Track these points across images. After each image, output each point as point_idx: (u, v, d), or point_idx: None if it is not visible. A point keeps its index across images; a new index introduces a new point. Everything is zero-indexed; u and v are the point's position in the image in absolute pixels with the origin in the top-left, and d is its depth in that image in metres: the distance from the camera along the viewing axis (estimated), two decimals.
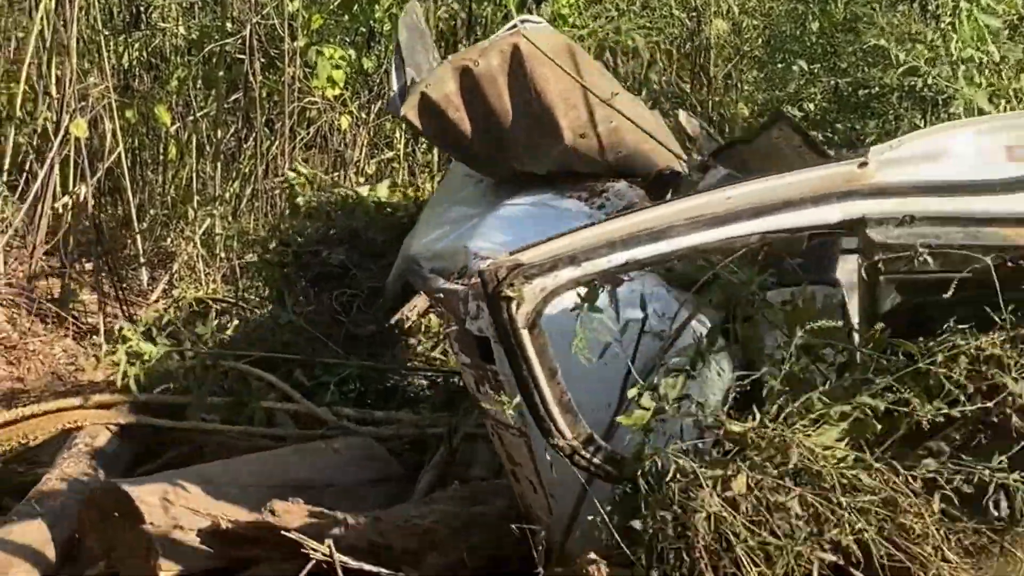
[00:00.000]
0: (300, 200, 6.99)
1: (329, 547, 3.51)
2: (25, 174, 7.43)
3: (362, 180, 7.86)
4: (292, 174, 7.45)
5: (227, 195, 8.16)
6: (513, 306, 3.33)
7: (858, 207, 3.43)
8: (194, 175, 8.19)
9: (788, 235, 3.52)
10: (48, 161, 6.91)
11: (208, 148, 8.33)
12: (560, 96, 4.52)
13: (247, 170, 8.20)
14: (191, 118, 8.25)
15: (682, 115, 5.44)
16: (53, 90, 7.14)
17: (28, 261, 7.01)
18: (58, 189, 7.01)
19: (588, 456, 3.43)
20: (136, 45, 8.46)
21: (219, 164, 8.32)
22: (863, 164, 3.41)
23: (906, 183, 3.46)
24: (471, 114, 4.53)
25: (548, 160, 4.58)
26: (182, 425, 5.26)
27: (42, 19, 7.30)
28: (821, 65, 7.91)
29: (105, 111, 7.35)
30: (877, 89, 6.92)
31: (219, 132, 8.27)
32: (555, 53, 4.54)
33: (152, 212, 8.09)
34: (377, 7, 7.84)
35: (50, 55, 7.25)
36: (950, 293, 3.29)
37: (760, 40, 9.43)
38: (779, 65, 8.56)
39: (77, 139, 6.92)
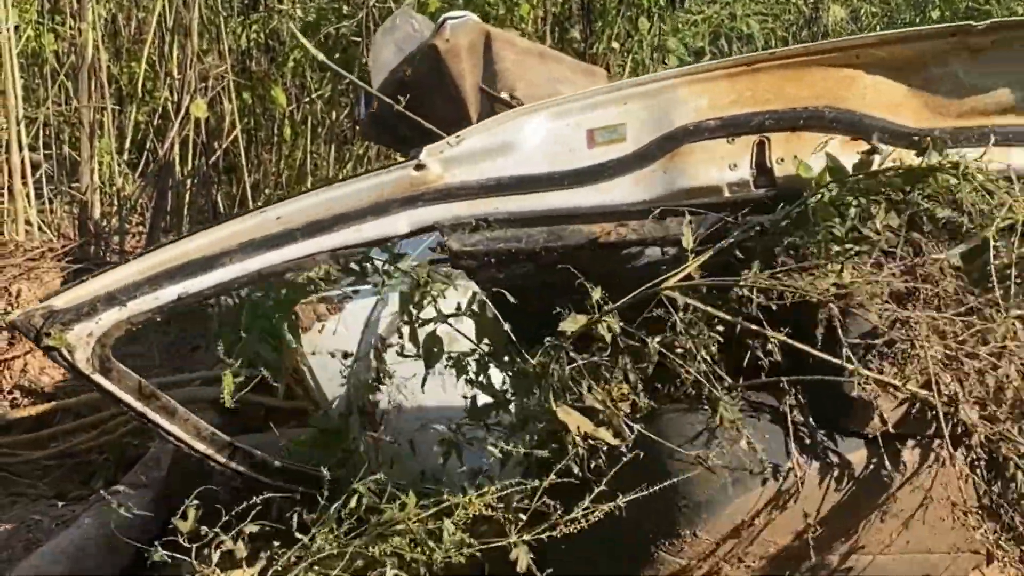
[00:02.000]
0: None
1: None
2: (145, 153, 7.59)
3: None
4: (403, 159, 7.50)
5: (340, 176, 8.24)
6: (67, 353, 3.13)
7: (425, 214, 3.15)
8: (308, 156, 8.29)
9: (364, 249, 3.26)
10: (168, 140, 7.05)
11: (322, 129, 8.42)
12: (472, 89, 4.51)
13: (360, 152, 8.27)
14: (306, 100, 8.35)
15: None
16: (174, 70, 7.27)
17: (147, 239, 7.14)
18: (177, 168, 7.14)
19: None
20: (254, 27, 8.56)
21: (332, 146, 8.41)
22: (419, 166, 3.11)
23: (472, 183, 3.14)
24: (413, 122, 4.56)
25: None
26: (285, 404, 5.32)
27: (164, 1, 7.47)
28: None
29: (224, 92, 7.48)
30: None
31: (333, 114, 8.35)
32: (471, 45, 4.54)
33: (267, 192, 8.20)
34: None
35: (171, 36, 7.39)
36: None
37: (879, 28, 9.26)
38: None
39: (196, 119, 7.05)
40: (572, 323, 2.91)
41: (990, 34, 2.94)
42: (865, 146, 3.02)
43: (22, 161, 6.89)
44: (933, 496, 2.90)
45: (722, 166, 3.07)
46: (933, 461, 2.86)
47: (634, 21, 8.05)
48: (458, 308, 3.50)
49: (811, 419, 2.91)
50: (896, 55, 3.04)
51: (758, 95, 3.08)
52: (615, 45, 8.16)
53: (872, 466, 2.88)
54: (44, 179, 7.33)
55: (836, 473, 2.87)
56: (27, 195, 6.96)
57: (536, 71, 4.46)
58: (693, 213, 3.05)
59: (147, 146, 7.60)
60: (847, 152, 3.02)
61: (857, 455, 2.89)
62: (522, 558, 2.90)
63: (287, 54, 8.40)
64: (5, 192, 6.94)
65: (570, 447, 2.89)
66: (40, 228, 7.01)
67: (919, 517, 2.92)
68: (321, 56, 5.09)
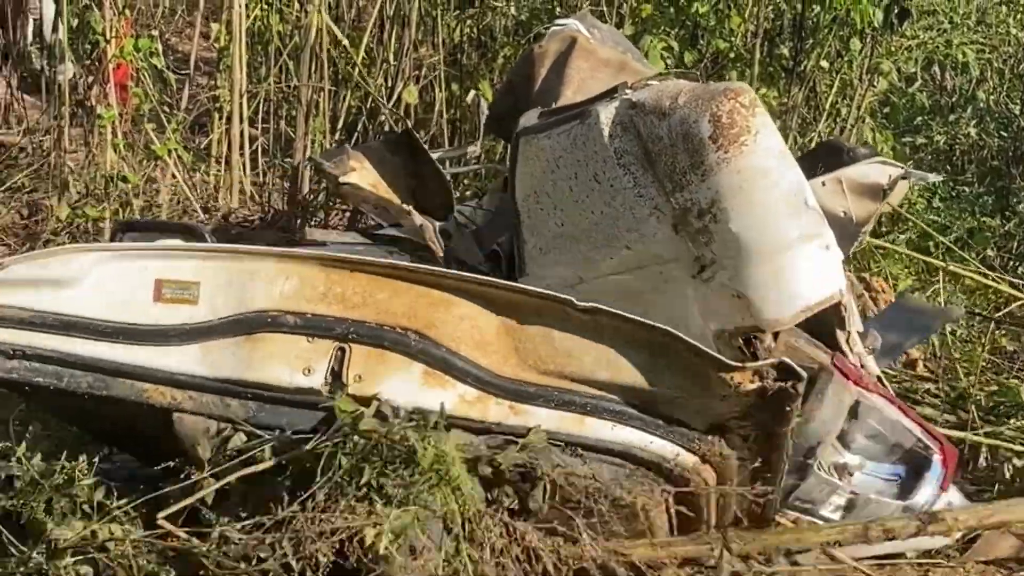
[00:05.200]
0: None
1: None
2: (355, 135, 7.86)
3: None
4: None
5: None
6: None
7: None
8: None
9: None
10: (378, 124, 7.31)
11: None
12: (535, 95, 4.69)
13: None
14: None
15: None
16: (390, 57, 7.54)
17: (350, 218, 7.38)
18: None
19: None
20: (468, 22, 8.79)
21: None
22: None
23: (11, 313, 2.90)
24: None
25: None
26: None
27: None
28: None
29: (435, 82, 7.71)
30: None
31: None
32: (556, 52, 4.72)
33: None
34: (704, 1, 7.89)
35: (391, 25, 7.66)
36: None
37: None
38: None
39: (407, 105, 7.29)
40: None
41: (590, 314, 2.99)
42: (448, 382, 2.96)
43: (241, 133, 7.24)
44: None
45: (296, 367, 2.93)
46: None
47: (846, 41, 7.97)
48: None
49: None
50: (497, 297, 3.02)
51: (348, 294, 2.95)
52: (824, 64, 8.09)
53: None
54: (259, 152, 7.68)
55: None
56: (243, 165, 7.31)
57: (598, 81, 4.54)
58: (257, 399, 2.94)
59: (357, 128, 7.87)
60: (429, 384, 2.96)
61: None
62: None
63: (497, 50, 8.61)
64: (223, 161, 7.30)
65: None
66: (252, 198, 7.35)
67: None
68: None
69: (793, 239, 3.69)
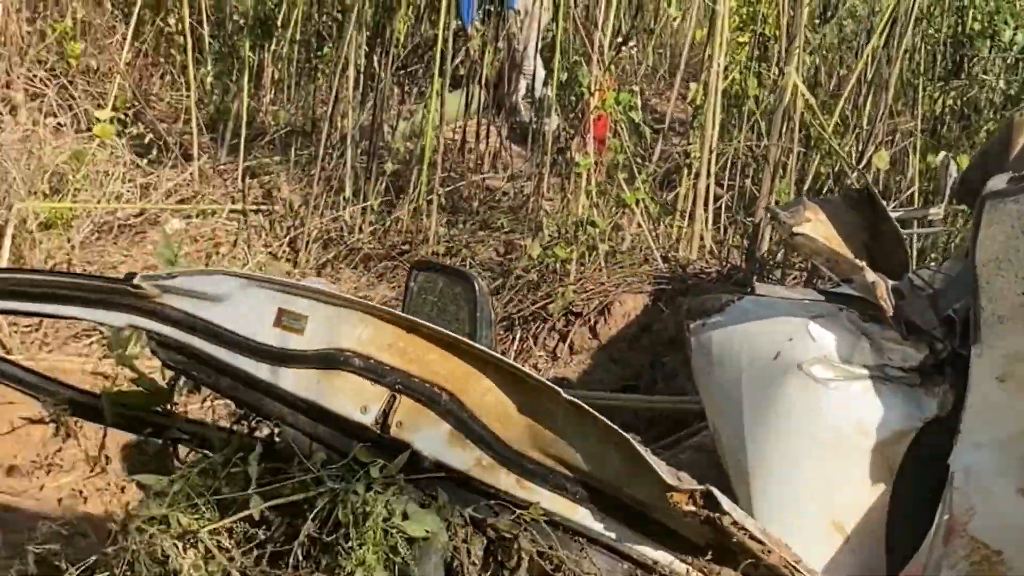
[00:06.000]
0: None
1: None
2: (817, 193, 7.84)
3: None
4: None
5: None
6: None
7: (140, 322, 3.34)
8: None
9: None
10: (844, 187, 7.26)
11: None
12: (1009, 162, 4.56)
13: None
14: None
15: None
16: (863, 122, 7.47)
17: (807, 276, 7.36)
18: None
19: None
20: (952, 93, 8.55)
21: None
22: (135, 286, 3.28)
23: (179, 315, 3.29)
24: None
25: None
26: None
27: (867, 59, 7.72)
28: None
29: (910, 149, 7.56)
30: None
31: None
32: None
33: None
34: None
35: (868, 89, 7.59)
36: None
37: None
38: None
39: (876, 170, 7.20)
40: None
41: (572, 407, 3.03)
42: (468, 445, 3.13)
43: (707, 189, 7.43)
44: None
45: (356, 404, 3.19)
46: None
47: None
48: None
49: None
50: (512, 376, 3.11)
51: (407, 350, 3.18)
52: None
53: None
54: (723, 208, 7.83)
55: None
56: (706, 220, 7.49)
57: None
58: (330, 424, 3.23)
59: (823, 192, 7.83)
60: (452, 444, 3.13)
61: None
62: None
63: (980, 124, 8.32)
64: (687, 215, 7.51)
65: None
66: (711, 252, 7.50)
67: None
68: None
69: None
